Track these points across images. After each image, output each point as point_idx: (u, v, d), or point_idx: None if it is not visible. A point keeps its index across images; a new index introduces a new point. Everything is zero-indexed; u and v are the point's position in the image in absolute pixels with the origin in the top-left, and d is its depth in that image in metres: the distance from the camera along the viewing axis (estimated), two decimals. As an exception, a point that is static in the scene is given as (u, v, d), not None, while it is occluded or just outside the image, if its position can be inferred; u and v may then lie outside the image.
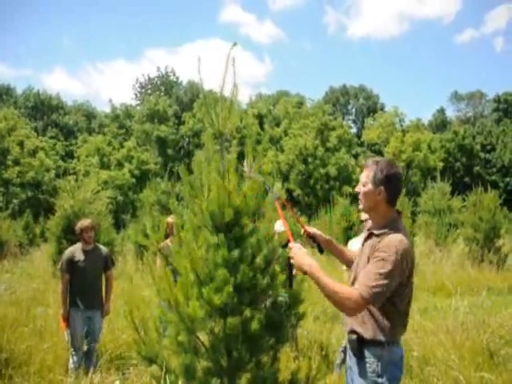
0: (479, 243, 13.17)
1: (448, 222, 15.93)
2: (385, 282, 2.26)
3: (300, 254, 2.40)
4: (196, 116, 48.25)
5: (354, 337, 2.44)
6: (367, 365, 2.40)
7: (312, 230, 2.73)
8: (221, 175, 2.75)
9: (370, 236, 2.53)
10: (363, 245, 2.57)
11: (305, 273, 2.36)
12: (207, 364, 2.66)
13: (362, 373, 2.42)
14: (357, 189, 2.56)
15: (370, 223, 2.63)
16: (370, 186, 2.45)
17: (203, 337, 2.67)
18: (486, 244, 13.11)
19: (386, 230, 2.42)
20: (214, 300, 2.49)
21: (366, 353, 2.41)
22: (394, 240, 2.34)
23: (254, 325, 2.53)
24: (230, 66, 2.83)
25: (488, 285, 9.95)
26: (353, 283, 2.47)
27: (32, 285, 8.88)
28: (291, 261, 2.43)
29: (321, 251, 2.73)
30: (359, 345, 2.42)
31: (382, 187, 2.42)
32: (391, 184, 2.44)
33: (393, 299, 2.36)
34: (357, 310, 2.28)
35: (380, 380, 2.37)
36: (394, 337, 2.42)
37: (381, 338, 2.38)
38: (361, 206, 2.57)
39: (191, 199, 2.82)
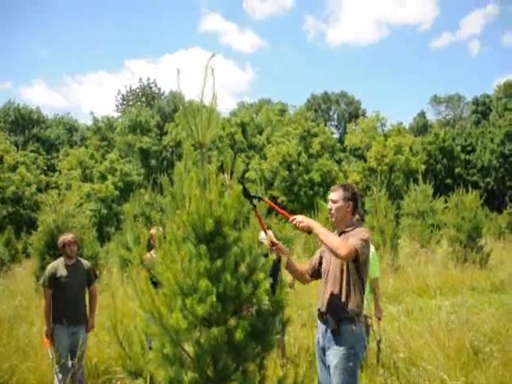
0: (462, 243, 13.35)
1: (431, 224, 16.12)
2: (365, 244, 3.09)
3: (305, 218, 3.15)
4: (179, 126, 48.11)
5: (333, 315, 3.11)
6: (343, 338, 3.08)
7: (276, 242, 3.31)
8: (201, 186, 2.76)
9: (340, 235, 3.30)
10: None
11: (309, 232, 3.09)
12: (193, 375, 2.64)
13: (339, 344, 3.08)
14: (328, 207, 3.36)
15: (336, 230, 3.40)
16: (341, 203, 3.28)
17: (188, 348, 2.66)
18: (469, 244, 13.30)
19: (352, 227, 3.29)
20: (197, 310, 2.49)
21: (342, 328, 3.08)
22: (361, 229, 3.28)
23: (239, 334, 2.53)
24: (209, 75, 2.84)
25: (471, 284, 10.10)
26: (326, 276, 3.28)
27: (14, 302, 8.73)
28: (299, 223, 3.12)
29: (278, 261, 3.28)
30: (336, 322, 3.09)
31: (350, 202, 3.28)
32: (355, 199, 3.32)
33: (361, 277, 3.17)
34: (348, 254, 2.97)
35: (352, 351, 3.07)
36: (360, 310, 3.16)
37: (354, 308, 3.10)
38: (333, 219, 3.34)
39: (173, 210, 2.82)
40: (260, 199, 3.30)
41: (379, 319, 5.27)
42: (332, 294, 3.18)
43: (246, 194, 3.14)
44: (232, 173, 2.91)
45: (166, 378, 2.62)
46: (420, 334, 5.49)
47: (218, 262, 2.56)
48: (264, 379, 2.88)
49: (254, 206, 3.14)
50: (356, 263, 3.13)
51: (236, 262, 2.64)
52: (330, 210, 3.33)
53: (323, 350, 3.21)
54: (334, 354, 3.09)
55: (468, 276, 10.98)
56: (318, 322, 3.31)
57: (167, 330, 2.52)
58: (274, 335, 2.79)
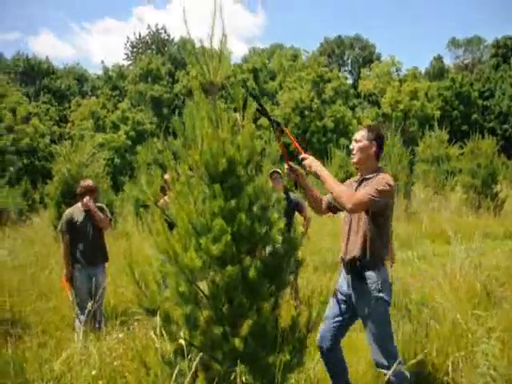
0: (477, 190, 13.23)
1: (446, 170, 15.93)
2: (378, 195, 2.90)
3: (314, 162, 3.07)
4: (190, 73, 47.31)
5: (358, 263, 3.05)
6: (369, 285, 3.02)
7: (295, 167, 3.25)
8: (213, 124, 2.70)
9: (362, 181, 3.17)
10: (356, 189, 3.16)
11: (315, 174, 3.03)
12: (209, 313, 2.69)
13: (365, 291, 3.03)
14: (351, 146, 3.20)
15: (359, 175, 3.25)
16: (364, 142, 3.13)
17: (203, 287, 2.70)
18: (484, 190, 13.18)
19: (375, 173, 3.11)
20: (212, 250, 2.50)
21: (367, 275, 3.02)
22: (385, 176, 3.06)
23: (253, 272, 2.55)
24: (218, 14, 2.73)
25: (485, 230, 10.05)
26: (349, 224, 3.18)
27: (34, 249, 8.95)
28: (307, 166, 3.06)
29: (295, 186, 3.34)
30: (362, 269, 3.04)
31: (374, 142, 3.13)
32: (380, 141, 3.17)
33: (379, 225, 3.03)
34: (355, 207, 2.90)
35: (381, 294, 3.01)
36: (384, 256, 3.10)
37: (376, 254, 3.03)
38: (354, 159, 3.18)
39: (185, 151, 2.79)
40: (278, 124, 3.16)
41: (392, 262, 5.30)
42: (354, 242, 3.11)
43: (263, 113, 3.06)
44: (244, 112, 2.84)
45: (182, 315, 2.67)
46: (433, 278, 5.53)
47: (232, 202, 2.55)
48: (278, 318, 2.93)
49: (278, 125, 3.11)
50: (368, 214, 3.03)
51: (250, 202, 2.63)
52: (352, 150, 3.18)
53: (348, 297, 3.19)
54: (363, 302, 3.07)
55: (482, 222, 10.93)
56: (343, 269, 3.26)
57: (182, 269, 2.54)
58: (287, 274, 2.81)
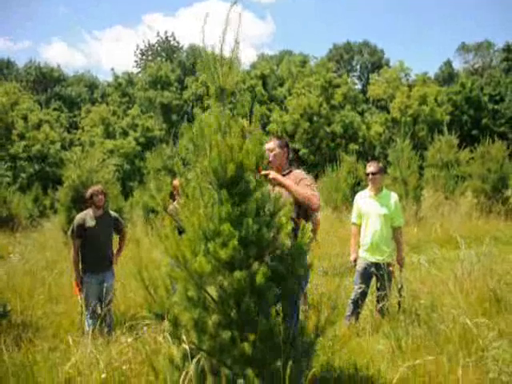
0: (487, 194, 13.12)
1: (456, 175, 15.78)
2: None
3: (274, 173, 3.36)
4: (199, 80, 47.52)
5: None
6: None
7: None
8: (222, 131, 2.73)
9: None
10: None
11: (280, 184, 3.32)
12: (217, 318, 2.71)
13: None
14: (266, 155, 3.46)
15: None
16: (278, 150, 3.74)
17: (212, 291, 2.71)
18: (494, 195, 13.06)
19: (288, 170, 3.72)
20: (220, 254, 2.53)
21: None
22: (301, 172, 3.68)
23: (260, 277, 2.57)
24: (229, 23, 2.78)
25: (496, 235, 9.96)
26: None
27: (45, 254, 9.02)
28: (272, 177, 3.29)
29: None
30: None
31: (285, 148, 3.79)
32: (288, 146, 3.84)
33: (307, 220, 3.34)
34: (319, 203, 3.35)
35: None
36: None
37: None
38: (272, 166, 3.60)
39: (194, 157, 2.82)
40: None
41: (401, 267, 5.28)
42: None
43: None
44: (251, 118, 2.86)
45: (191, 320, 2.69)
46: (442, 282, 5.49)
47: (240, 207, 2.57)
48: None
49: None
50: (310, 211, 3.43)
51: (258, 207, 2.65)
52: (268, 158, 3.60)
53: None
54: None
55: (492, 227, 10.83)
56: None
57: (191, 274, 2.57)
58: (295, 279, 2.81)
